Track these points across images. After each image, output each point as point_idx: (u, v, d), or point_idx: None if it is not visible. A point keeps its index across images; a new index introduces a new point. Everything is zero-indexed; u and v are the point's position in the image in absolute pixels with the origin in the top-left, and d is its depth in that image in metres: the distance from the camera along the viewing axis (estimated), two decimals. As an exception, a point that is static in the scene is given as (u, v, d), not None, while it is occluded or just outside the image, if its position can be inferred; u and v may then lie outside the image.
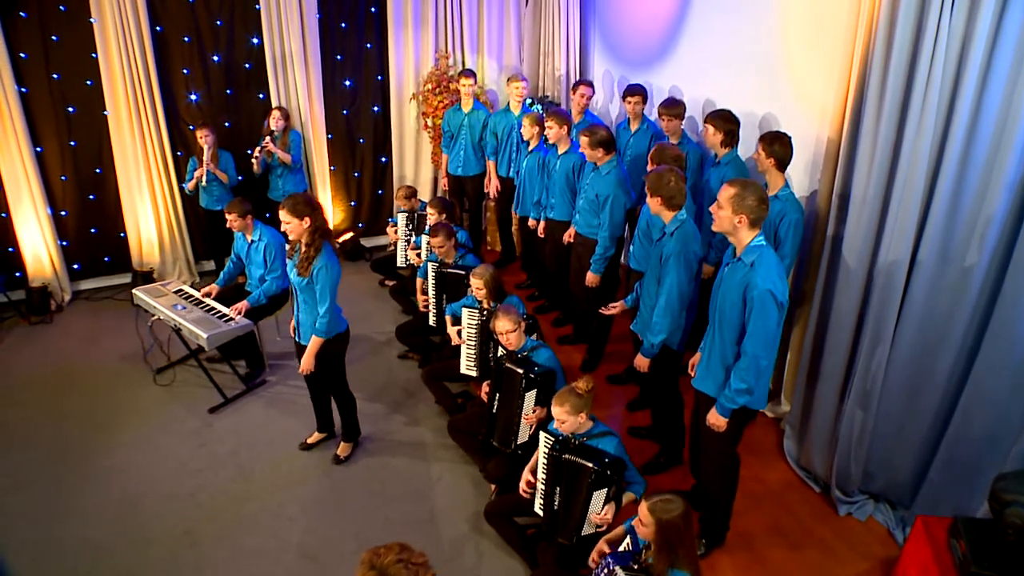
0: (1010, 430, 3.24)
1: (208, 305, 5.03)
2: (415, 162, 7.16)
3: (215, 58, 6.17)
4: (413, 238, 6.02)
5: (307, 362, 4.11)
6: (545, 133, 5.12)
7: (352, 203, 7.18)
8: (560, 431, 3.46)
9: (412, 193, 6.15)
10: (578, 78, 6.60)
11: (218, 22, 6.07)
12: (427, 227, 5.66)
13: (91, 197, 6.20)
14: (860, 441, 3.74)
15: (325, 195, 6.84)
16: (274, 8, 6.08)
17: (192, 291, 5.21)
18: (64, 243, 6.22)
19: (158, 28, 5.90)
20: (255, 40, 6.21)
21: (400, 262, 6.21)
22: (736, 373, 3.13)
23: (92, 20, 5.69)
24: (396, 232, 6.16)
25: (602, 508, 3.27)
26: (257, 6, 6.08)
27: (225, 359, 5.30)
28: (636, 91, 5.33)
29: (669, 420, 4.11)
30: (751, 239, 3.07)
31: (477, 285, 4.43)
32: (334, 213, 7.06)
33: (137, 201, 6.25)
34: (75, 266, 6.36)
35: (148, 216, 6.31)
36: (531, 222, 5.69)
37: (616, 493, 3.29)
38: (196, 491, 4.30)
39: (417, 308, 5.93)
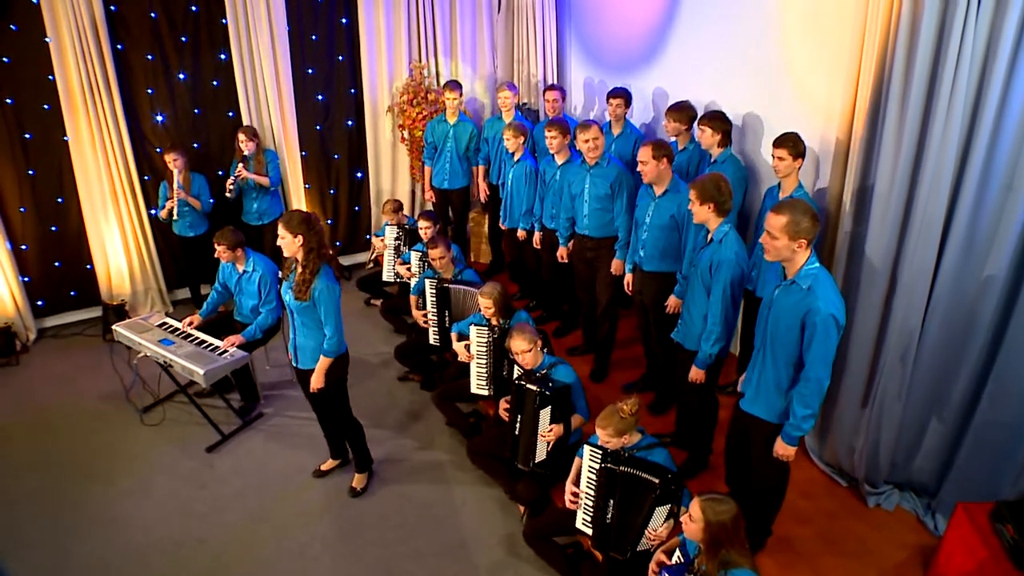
0: (1036, 418, 3.35)
1: (196, 338, 4.76)
2: (392, 176, 6.98)
3: (181, 76, 5.87)
4: (402, 252, 5.87)
5: (317, 379, 3.93)
6: (547, 143, 5.04)
7: (328, 221, 6.95)
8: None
9: (399, 207, 5.99)
10: (553, 83, 6.56)
11: (183, 38, 5.77)
12: (421, 242, 5.53)
13: (53, 228, 5.81)
14: (888, 433, 3.82)
15: (300, 214, 6.58)
16: (242, 22, 5.81)
17: (177, 323, 4.92)
18: (26, 279, 5.80)
19: (119, 46, 5.57)
20: (222, 56, 5.93)
21: (387, 276, 6.04)
22: (800, 400, 3.09)
23: (47, 39, 5.31)
24: (384, 242, 5.98)
25: (663, 524, 3.23)
26: (224, 20, 5.81)
27: (217, 393, 5.04)
28: (619, 94, 5.33)
29: (702, 427, 4.10)
30: (805, 261, 3.03)
31: (486, 304, 4.34)
32: (310, 232, 6.81)
33: (104, 230, 5.88)
34: (39, 303, 5.95)
35: (116, 245, 5.95)
36: (520, 233, 5.61)
37: (677, 510, 3.25)
38: (206, 536, 4.06)
39: (410, 328, 5.81)
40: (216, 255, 4.79)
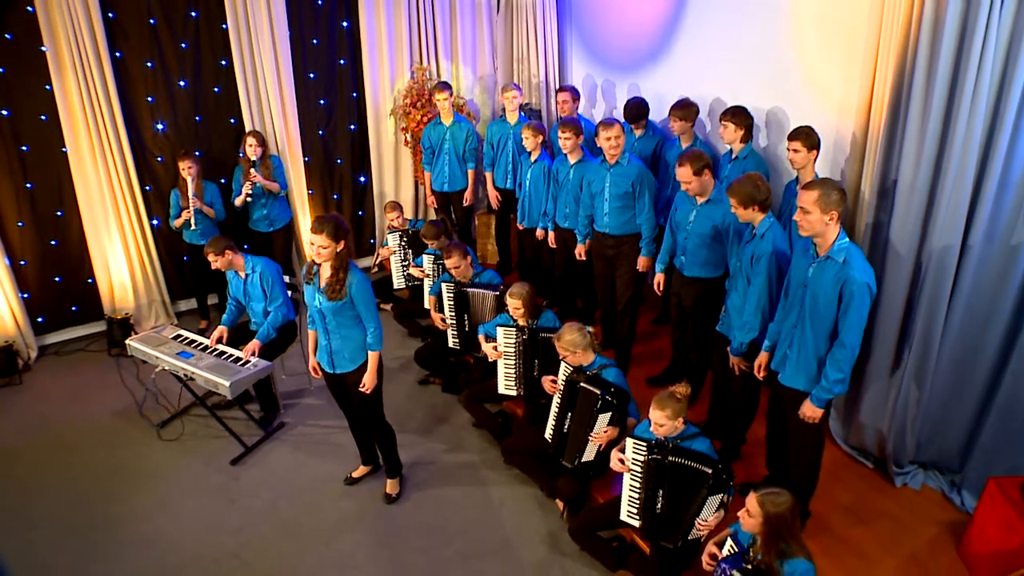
0: (1059, 391, 3.52)
1: (215, 348, 4.68)
2: (395, 180, 6.95)
3: (181, 83, 5.76)
4: (411, 258, 5.86)
5: (372, 377, 3.93)
6: (561, 144, 5.09)
7: (330, 226, 6.88)
8: (653, 434, 3.47)
9: (395, 207, 5.96)
10: (557, 84, 6.61)
11: (183, 45, 5.66)
12: (429, 248, 5.51)
13: (53, 243, 5.65)
14: (915, 414, 3.96)
15: (305, 220, 6.52)
16: (243, 27, 5.73)
17: (191, 335, 4.84)
18: (25, 295, 5.63)
19: (118, 54, 5.44)
20: (223, 62, 5.84)
21: (397, 283, 6.02)
22: (833, 364, 3.24)
23: (44, 48, 5.16)
24: (389, 250, 5.96)
25: (714, 513, 3.30)
26: (224, 26, 5.72)
27: (237, 404, 4.96)
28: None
29: (741, 417, 4.20)
30: (836, 236, 3.18)
31: (515, 304, 4.35)
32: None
33: (105, 243, 5.74)
34: (39, 319, 5.78)
35: (119, 258, 5.81)
36: (539, 232, 5.66)
37: (728, 499, 3.32)
38: (241, 551, 4.00)
39: (425, 330, 5.81)
40: (213, 268, 4.73)
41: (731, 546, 3.04)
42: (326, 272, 3.74)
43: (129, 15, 5.41)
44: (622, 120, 5.16)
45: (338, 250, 3.65)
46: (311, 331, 4.04)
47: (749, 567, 2.86)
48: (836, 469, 4.24)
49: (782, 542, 2.77)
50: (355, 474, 4.50)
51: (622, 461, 3.51)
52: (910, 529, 3.83)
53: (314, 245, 3.61)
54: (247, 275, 4.80)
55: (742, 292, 3.83)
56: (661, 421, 3.35)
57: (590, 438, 3.84)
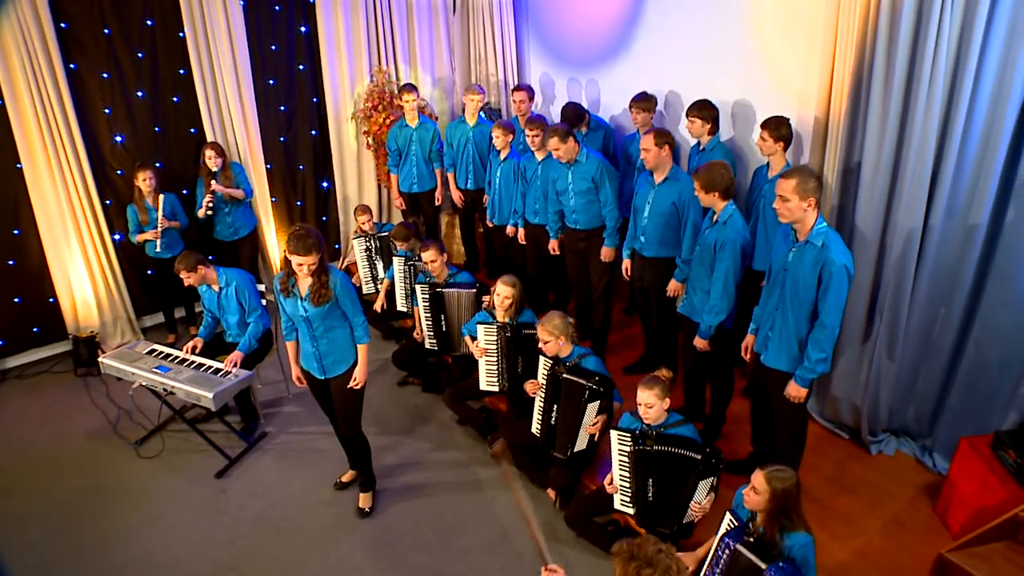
0: (1018, 355, 3.72)
1: (192, 361, 4.60)
2: (358, 184, 6.91)
3: (139, 94, 5.62)
4: (379, 264, 5.86)
5: (362, 373, 3.93)
6: (528, 141, 5.16)
7: (296, 234, 6.81)
8: (637, 424, 3.57)
9: (366, 210, 5.93)
10: (515, 83, 6.69)
11: (139, 54, 5.53)
12: (399, 249, 5.51)
13: (11, 263, 5.44)
14: (886, 386, 4.17)
15: (269, 228, 6.44)
16: (200, 35, 5.63)
17: (166, 348, 4.74)
18: (-17, 319, 5.42)
19: (72, 65, 5.28)
20: (182, 71, 5.72)
21: (366, 288, 6.01)
22: (815, 344, 3.37)
23: (-8, 62, 4.99)
24: (353, 253, 5.96)
25: (706, 496, 3.42)
26: (181, 34, 5.61)
27: (217, 416, 4.88)
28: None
29: (718, 400, 4.34)
30: (815, 221, 3.32)
31: (508, 293, 4.37)
32: (279, 245, 6.66)
33: (67, 260, 5.56)
34: None
35: (81, 275, 5.64)
36: (510, 230, 5.72)
37: (718, 481, 3.44)
38: (238, 564, 3.95)
39: (399, 332, 5.82)
40: (186, 284, 4.65)
41: (730, 521, 3.13)
42: (306, 281, 3.67)
43: (82, 25, 5.26)
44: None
45: (318, 260, 3.59)
46: (289, 342, 3.99)
47: (751, 540, 2.96)
48: (815, 443, 4.39)
49: (785, 517, 2.88)
50: (344, 478, 4.48)
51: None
52: (889, 493, 4.03)
53: (302, 266, 3.52)
54: (221, 288, 4.72)
55: (705, 279, 3.97)
56: (650, 401, 3.43)
57: (583, 429, 3.91)
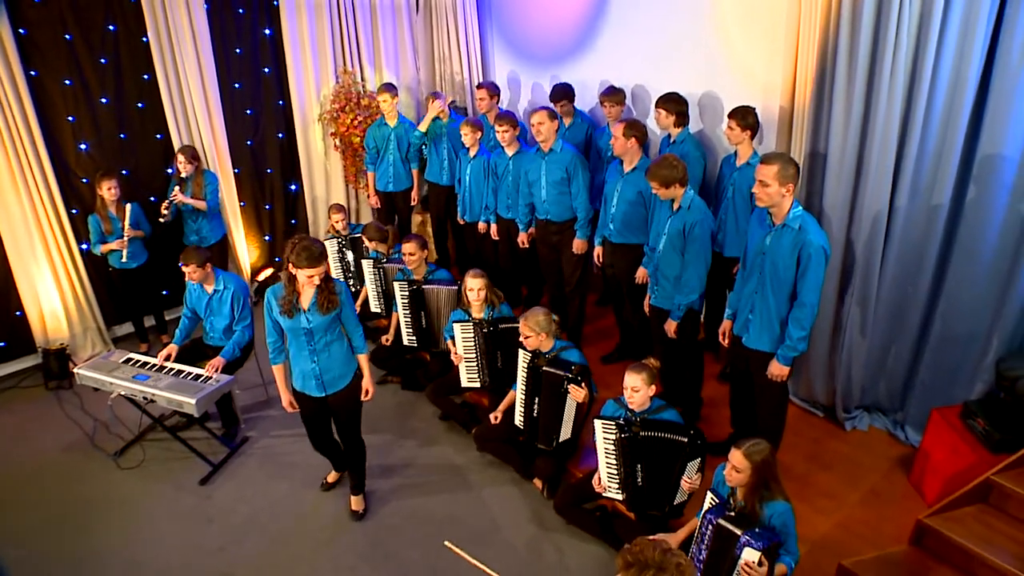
0: (983, 328, 3.90)
1: (171, 368, 4.54)
2: (326, 185, 6.88)
3: (103, 100, 5.50)
4: (346, 262, 5.85)
5: (371, 384, 3.95)
6: (499, 137, 5.21)
7: (267, 237, 6.75)
8: (621, 412, 3.64)
9: (340, 209, 5.87)
10: (480, 81, 6.73)
11: (102, 60, 5.41)
12: (371, 251, 5.51)
13: (-26, 276, 5.30)
14: (858, 364, 4.32)
15: (238, 233, 6.37)
16: (164, 39, 5.54)
17: (142, 356, 4.68)
18: (-53, 335, 5.25)
19: (33, 72, 5.14)
20: (146, 76, 5.62)
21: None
22: (795, 323, 3.49)
23: (-51, 71, 4.85)
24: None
25: (696, 473, 3.51)
26: (145, 39, 5.51)
27: (198, 422, 4.82)
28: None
29: (692, 383, 4.44)
30: (791, 206, 3.43)
31: (478, 285, 4.44)
32: (249, 251, 6.59)
33: (33, 272, 5.42)
34: (-36, 359, 5.39)
35: (48, 286, 5.50)
36: (481, 226, 5.76)
37: (703, 461, 3.52)
38: (232, 570, 3.91)
39: (374, 332, 5.79)
40: (187, 277, 4.59)
41: (712, 499, 3.21)
42: (310, 292, 3.59)
43: (42, 31, 5.12)
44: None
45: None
46: (277, 366, 3.85)
47: (732, 514, 3.05)
48: (791, 422, 4.49)
49: (764, 488, 2.98)
50: (329, 479, 4.47)
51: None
52: (866, 466, 4.19)
53: (312, 278, 3.45)
54: (216, 291, 4.67)
55: (675, 264, 4.07)
56: (637, 385, 3.49)
57: (566, 416, 3.98)
